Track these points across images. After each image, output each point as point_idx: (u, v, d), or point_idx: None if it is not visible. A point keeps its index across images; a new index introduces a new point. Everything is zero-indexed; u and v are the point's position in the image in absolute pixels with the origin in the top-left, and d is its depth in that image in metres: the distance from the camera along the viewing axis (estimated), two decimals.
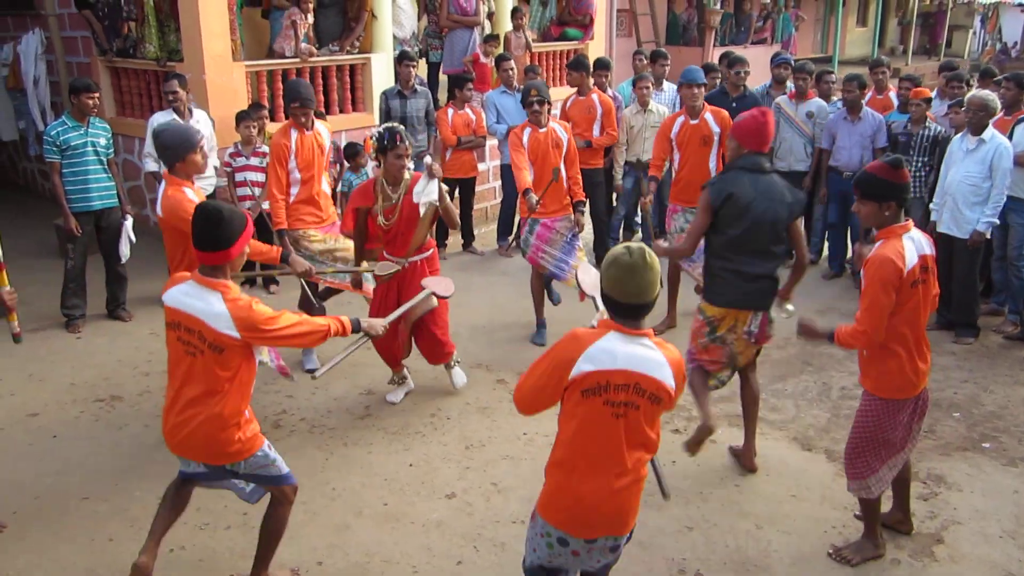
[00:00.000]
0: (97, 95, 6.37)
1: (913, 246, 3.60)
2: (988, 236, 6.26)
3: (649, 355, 2.78)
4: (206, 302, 3.24)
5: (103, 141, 6.45)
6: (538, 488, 4.39)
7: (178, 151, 4.45)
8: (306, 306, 5.72)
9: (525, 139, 6.11)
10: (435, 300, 5.14)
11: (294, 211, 5.71)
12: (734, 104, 7.59)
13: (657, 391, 2.78)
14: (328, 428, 5.10)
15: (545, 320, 6.52)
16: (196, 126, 6.85)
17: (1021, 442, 5.00)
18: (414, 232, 5.15)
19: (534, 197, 5.97)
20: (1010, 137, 6.34)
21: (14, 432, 5.03)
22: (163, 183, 4.56)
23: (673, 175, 6.64)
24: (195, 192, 4.54)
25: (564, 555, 2.93)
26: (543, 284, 6.48)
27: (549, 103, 6.17)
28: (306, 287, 5.72)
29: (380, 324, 3.92)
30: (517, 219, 8.53)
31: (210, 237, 3.23)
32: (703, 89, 6.37)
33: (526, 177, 6.05)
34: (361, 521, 4.20)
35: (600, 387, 2.76)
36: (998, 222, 6.20)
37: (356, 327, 3.69)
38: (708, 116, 6.33)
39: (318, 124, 5.87)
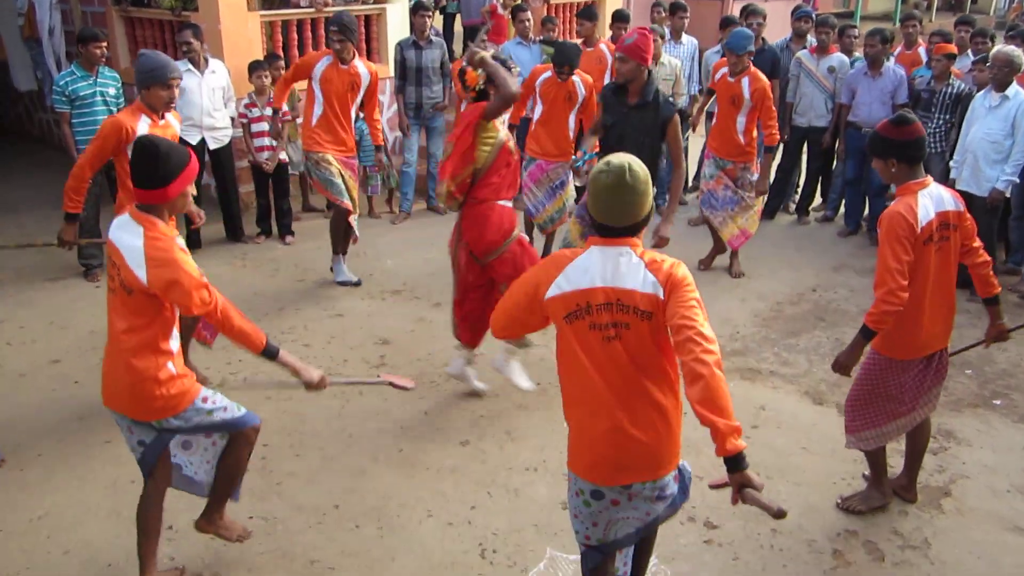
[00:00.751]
0: (105, 44, 6.37)
1: (931, 202, 3.53)
2: (1008, 195, 6.20)
3: (627, 264, 2.57)
4: (128, 234, 3.02)
5: (112, 91, 6.45)
6: (551, 438, 4.49)
7: (145, 78, 4.39)
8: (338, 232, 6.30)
9: (540, 80, 6.44)
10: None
11: (314, 134, 6.13)
12: (752, 58, 7.50)
13: (640, 304, 2.53)
14: (344, 376, 5.16)
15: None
16: (212, 76, 6.85)
17: None
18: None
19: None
20: None
21: (37, 378, 5.13)
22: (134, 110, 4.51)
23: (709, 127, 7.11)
24: (151, 125, 4.44)
25: (604, 509, 2.71)
26: (526, 212, 6.73)
27: (576, 67, 6.42)
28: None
29: (317, 374, 3.51)
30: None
31: (146, 173, 2.99)
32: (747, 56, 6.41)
33: (518, 114, 6.86)
34: (377, 466, 4.28)
35: (581, 309, 2.57)
36: (1018, 180, 6.14)
37: (272, 353, 3.28)
38: (744, 80, 6.38)
39: (359, 63, 6.18)
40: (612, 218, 2.59)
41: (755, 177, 6.61)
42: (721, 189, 6.64)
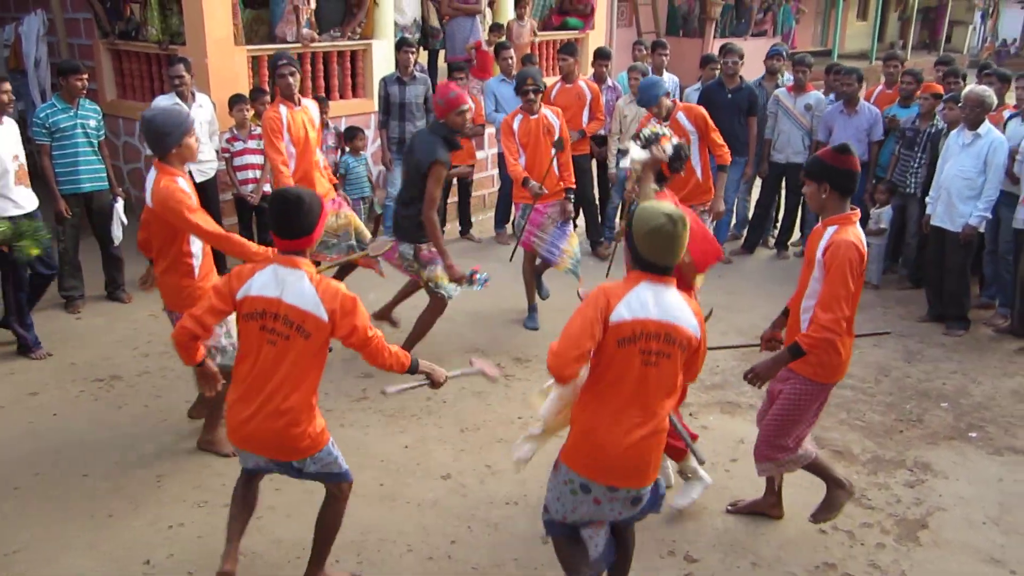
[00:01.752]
0: (85, 76, 6.36)
1: (862, 234, 3.64)
2: (980, 230, 6.32)
3: (679, 304, 2.97)
4: (293, 283, 3.18)
5: (93, 123, 6.46)
6: (531, 472, 4.49)
7: (174, 135, 4.11)
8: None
9: (516, 125, 6.31)
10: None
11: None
12: (729, 95, 7.66)
13: (687, 340, 2.96)
14: (325, 410, 5.09)
15: (537, 305, 6.62)
16: (198, 110, 6.91)
17: (1007, 432, 5.08)
18: None
19: (535, 184, 6.09)
20: (1003, 132, 6.41)
21: (15, 410, 5.09)
22: (152, 171, 4.20)
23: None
24: (187, 182, 4.22)
25: (586, 503, 3.06)
26: (535, 269, 6.57)
27: (543, 91, 6.35)
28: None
29: (442, 373, 3.70)
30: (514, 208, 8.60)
31: (294, 223, 3.19)
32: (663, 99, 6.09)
33: (518, 168, 6.22)
34: (357, 500, 4.25)
35: (636, 336, 2.91)
36: (990, 216, 6.27)
37: (414, 368, 3.54)
38: (679, 115, 6.19)
39: (305, 101, 6.06)
40: (666, 259, 2.96)
41: (710, 221, 6.40)
42: None
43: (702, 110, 6.31)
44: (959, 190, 6.25)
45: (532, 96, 6.19)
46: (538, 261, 6.51)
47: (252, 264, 3.32)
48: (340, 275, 6.16)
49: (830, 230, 3.61)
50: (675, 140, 4.30)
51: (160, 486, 4.35)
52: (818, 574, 3.81)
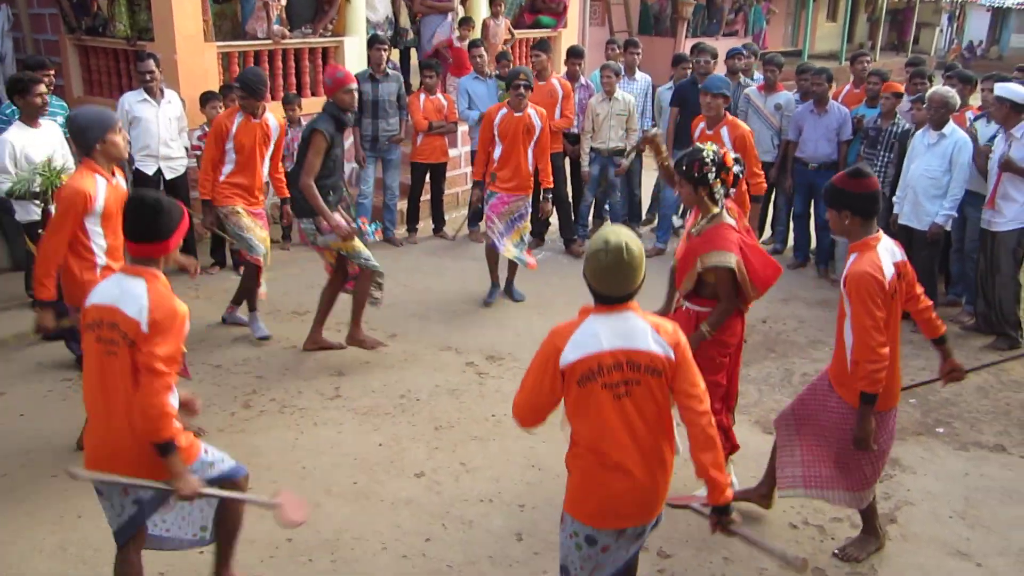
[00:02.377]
0: (52, 72, 6.28)
1: (888, 256, 3.59)
2: (947, 229, 6.42)
3: (632, 327, 2.78)
4: (128, 289, 2.96)
5: (60, 120, 6.36)
6: (505, 469, 4.51)
7: (94, 130, 4.07)
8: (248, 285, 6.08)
9: (497, 120, 6.41)
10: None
11: (223, 188, 5.95)
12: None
13: (651, 362, 2.76)
14: (298, 408, 5.14)
15: (498, 281, 6.91)
16: (167, 107, 6.84)
17: (973, 427, 5.17)
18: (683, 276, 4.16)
19: (479, 193, 6.61)
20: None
21: None
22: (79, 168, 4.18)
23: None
24: (106, 184, 4.16)
25: (594, 555, 2.89)
26: (496, 251, 6.75)
27: (531, 89, 6.44)
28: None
29: (194, 484, 3.05)
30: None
31: (148, 227, 3.00)
32: (724, 99, 5.93)
33: (480, 169, 6.64)
34: (331, 499, 4.26)
35: (592, 372, 2.75)
36: (956, 215, 6.37)
37: (167, 449, 2.94)
38: (723, 130, 5.95)
39: (269, 116, 6.05)
40: (614, 290, 2.78)
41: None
42: None
43: (747, 132, 5.93)
44: (925, 189, 6.34)
45: (523, 91, 6.33)
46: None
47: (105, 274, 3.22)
48: (249, 284, 6.12)
49: (851, 259, 3.60)
50: (734, 154, 4.10)
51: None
52: (789, 569, 3.84)
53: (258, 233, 6.01)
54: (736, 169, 4.00)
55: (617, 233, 2.78)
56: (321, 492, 4.30)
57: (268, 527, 3.96)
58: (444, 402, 5.27)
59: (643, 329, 2.78)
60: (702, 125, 6.11)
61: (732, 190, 4.06)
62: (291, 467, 4.51)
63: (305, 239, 5.81)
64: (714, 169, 3.93)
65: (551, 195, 6.82)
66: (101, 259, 4.28)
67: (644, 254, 2.79)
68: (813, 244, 8.02)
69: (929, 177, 6.29)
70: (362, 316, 5.82)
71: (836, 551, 4.00)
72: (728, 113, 6.01)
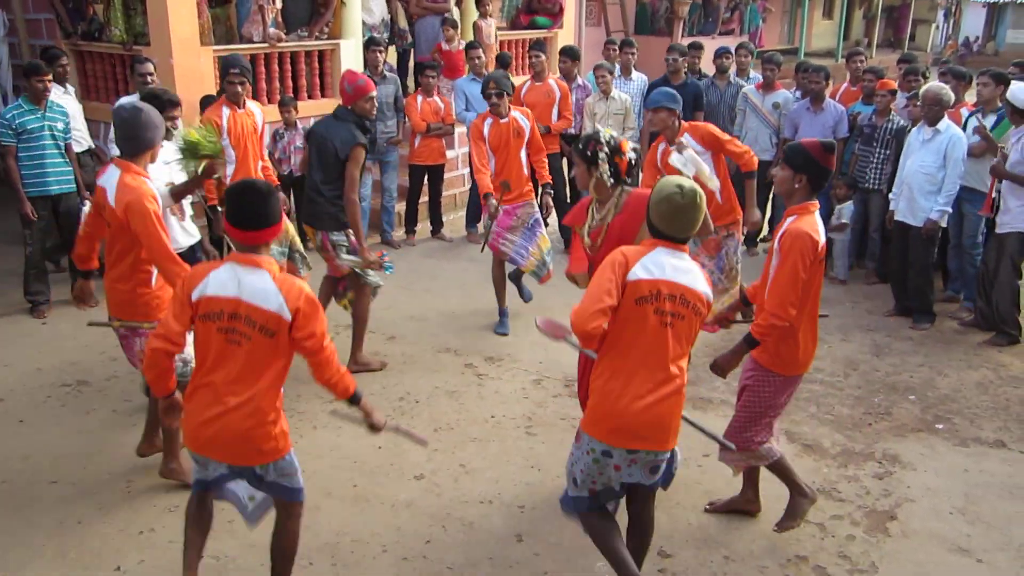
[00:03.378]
0: (47, 77, 6.25)
1: (820, 225, 3.69)
2: (942, 224, 6.42)
3: (692, 269, 3.11)
4: (253, 282, 3.03)
5: (61, 125, 6.38)
6: (505, 470, 4.51)
7: (156, 136, 3.95)
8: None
9: (486, 130, 6.15)
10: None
11: None
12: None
13: (699, 302, 3.09)
14: (298, 412, 5.13)
15: (507, 309, 6.49)
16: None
17: (973, 423, 5.17)
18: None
19: (494, 202, 6.04)
20: (964, 129, 6.52)
21: None
22: (115, 171, 3.89)
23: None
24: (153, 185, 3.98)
25: (607, 469, 3.15)
26: (504, 272, 6.43)
27: (509, 94, 6.14)
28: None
29: (383, 419, 3.48)
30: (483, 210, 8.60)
31: (259, 214, 3.04)
32: (665, 113, 5.38)
33: (486, 181, 6.07)
34: (331, 502, 4.25)
35: (652, 295, 3.04)
36: (951, 211, 6.36)
37: (357, 397, 3.36)
38: (686, 138, 5.44)
39: (251, 104, 5.97)
40: (680, 231, 3.13)
41: (741, 248, 5.86)
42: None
43: (709, 127, 5.60)
44: (920, 185, 6.34)
45: (495, 100, 6.04)
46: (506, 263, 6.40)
47: (206, 264, 3.19)
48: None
49: (789, 220, 3.67)
50: (632, 144, 4.19)
51: (130, 491, 4.30)
52: (790, 567, 3.85)
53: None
54: (631, 156, 4.05)
55: (687, 180, 3.13)
56: (321, 495, 4.30)
57: (268, 531, 3.96)
58: (443, 404, 5.27)
59: (696, 271, 3.13)
60: (662, 147, 5.52)
61: (628, 179, 4.09)
62: None
63: (328, 248, 5.47)
64: (607, 150, 3.98)
65: (551, 191, 6.62)
66: (154, 276, 4.04)
67: (705, 203, 3.16)
68: None
69: (924, 173, 6.30)
70: (363, 339, 5.71)
71: (775, 527, 4.04)
72: (679, 120, 5.45)
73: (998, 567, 3.88)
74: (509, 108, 6.18)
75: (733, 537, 4.05)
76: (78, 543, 3.90)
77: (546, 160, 6.50)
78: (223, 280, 3.04)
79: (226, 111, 5.79)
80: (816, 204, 3.73)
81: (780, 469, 4.02)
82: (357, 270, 5.53)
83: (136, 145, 3.92)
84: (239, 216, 3.05)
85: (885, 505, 4.32)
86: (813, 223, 3.64)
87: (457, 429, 4.97)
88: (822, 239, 3.65)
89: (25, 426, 4.91)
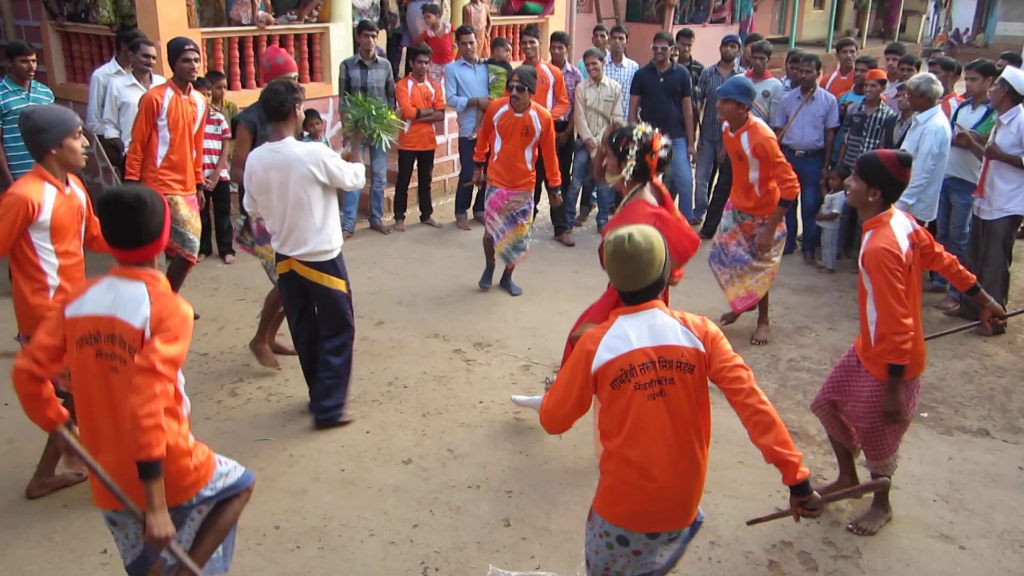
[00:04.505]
0: (31, 57, 6.20)
1: (902, 230, 3.69)
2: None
3: (661, 324, 2.75)
4: (125, 296, 2.68)
5: None
6: (493, 455, 4.52)
7: (51, 134, 3.62)
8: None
9: (498, 114, 6.39)
10: None
11: (161, 175, 5.71)
12: (661, 79, 7.76)
13: (682, 358, 2.72)
14: (285, 396, 5.12)
15: (493, 264, 6.90)
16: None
17: (957, 412, 5.21)
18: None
19: (476, 175, 6.73)
20: (953, 120, 6.54)
21: None
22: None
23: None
24: (59, 194, 3.71)
25: (625, 555, 2.87)
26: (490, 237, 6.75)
27: (531, 90, 6.31)
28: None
29: (173, 531, 2.71)
30: (475, 191, 8.59)
31: (135, 229, 2.68)
32: (734, 106, 5.57)
33: (481, 152, 6.71)
34: (318, 486, 4.25)
35: (625, 373, 2.71)
36: (911, 203, 6.34)
37: (151, 472, 2.60)
38: (743, 137, 5.65)
39: (194, 93, 5.87)
40: (627, 284, 2.77)
41: (779, 235, 5.96)
42: (733, 245, 6.02)
43: (770, 141, 5.60)
44: None
45: (516, 94, 6.25)
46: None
47: (92, 279, 2.80)
48: (176, 278, 5.98)
49: (867, 236, 3.70)
50: (665, 140, 4.11)
51: None
52: (775, 552, 3.88)
53: (194, 225, 5.85)
54: (663, 154, 4.05)
55: (628, 227, 2.77)
56: (308, 479, 4.29)
57: (255, 514, 3.96)
58: (431, 389, 5.27)
59: (671, 325, 2.75)
60: (726, 123, 5.83)
61: (657, 175, 4.12)
62: (278, 454, 4.50)
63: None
64: (637, 147, 3.99)
65: (559, 192, 6.94)
66: (53, 279, 3.79)
67: (661, 248, 2.75)
68: (799, 231, 8.05)
69: None
70: (268, 327, 5.48)
71: (849, 525, 4.06)
72: (752, 117, 5.67)
73: (980, 553, 3.92)
74: (529, 104, 6.34)
75: (719, 523, 4.07)
76: (63, 526, 3.89)
77: (556, 162, 6.67)
78: (99, 296, 2.71)
79: (170, 93, 5.62)
80: (891, 212, 3.71)
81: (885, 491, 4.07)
82: (264, 264, 5.50)
83: (34, 148, 3.69)
84: (111, 232, 2.72)
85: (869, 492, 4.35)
86: (888, 235, 3.62)
87: (445, 414, 4.97)
88: (904, 246, 3.63)
89: (10, 409, 4.88)
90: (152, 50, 6.50)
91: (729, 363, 2.75)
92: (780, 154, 5.68)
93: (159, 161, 5.65)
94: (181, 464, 2.79)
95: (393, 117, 6.99)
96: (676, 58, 8.27)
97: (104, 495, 2.78)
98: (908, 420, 3.94)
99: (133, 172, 5.64)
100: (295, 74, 5.22)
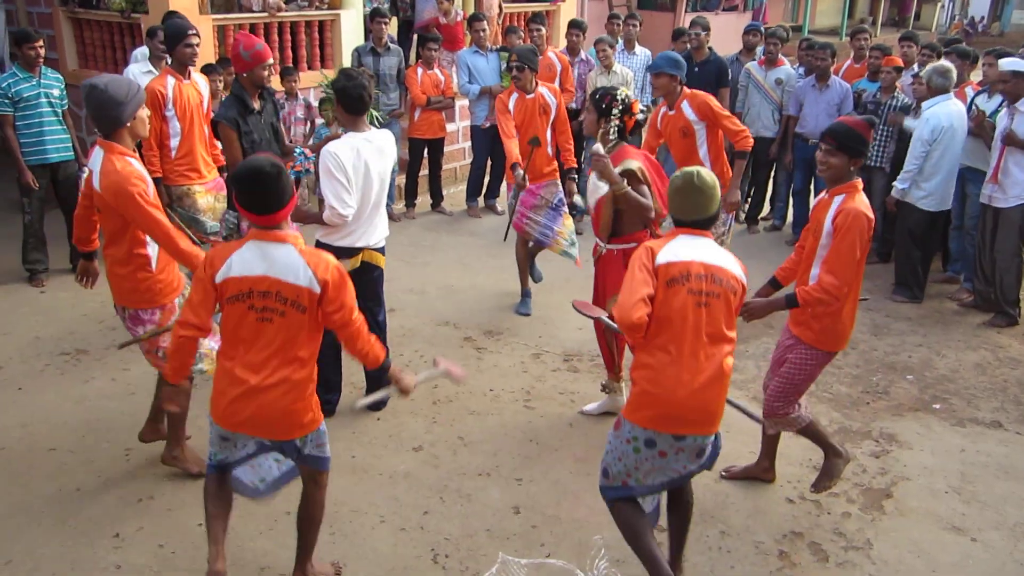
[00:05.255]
0: (39, 44, 6.15)
1: (868, 202, 3.72)
2: (909, 200, 6.53)
3: (716, 249, 3.15)
4: (281, 257, 3.00)
5: (56, 92, 6.33)
6: (503, 442, 4.52)
7: (128, 108, 3.61)
8: None
9: (511, 104, 6.10)
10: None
11: (176, 166, 5.64)
12: (696, 69, 7.63)
13: (732, 281, 3.10)
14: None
15: (530, 290, 6.41)
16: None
17: (970, 404, 5.18)
18: (600, 215, 4.57)
19: (521, 171, 5.93)
20: (970, 106, 6.49)
21: None
22: (99, 153, 3.65)
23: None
24: (141, 164, 3.73)
25: (651, 458, 3.10)
26: (527, 252, 6.33)
27: (532, 68, 6.09)
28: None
29: (411, 380, 3.43)
30: (487, 179, 8.56)
31: (272, 197, 2.96)
32: (667, 79, 5.47)
33: (513, 149, 5.96)
34: (329, 473, 4.25)
35: (683, 275, 3.05)
36: (903, 187, 6.46)
37: (387, 366, 3.34)
38: (683, 105, 5.54)
39: (195, 75, 5.77)
40: (687, 213, 3.17)
41: (730, 220, 5.96)
42: None
43: (709, 98, 5.58)
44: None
45: (516, 74, 6.03)
46: (531, 244, 6.29)
47: (225, 244, 3.10)
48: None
49: (838, 199, 3.68)
50: (643, 106, 4.38)
51: (128, 459, 4.31)
52: (785, 543, 3.87)
53: (217, 209, 5.68)
54: (639, 117, 4.54)
55: (693, 169, 3.18)
56: None
57: (268, 501, 3.97)
58: (442, 377, 5.25)
59: (724, 253, 3.16)
60: (662, 111, 5.67)
61: (630, 136, 4.59)
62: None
63: (220, 228, 5.33)
64: (620, 107, 4.46)
65: (575, 175, 6.41)
66: (152, 248, 3.81)
67: (718, 187, 3.19)
68: (789, 218, 8.07)
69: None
70: None
71: (811, 488, 4.08)
72: (684, 87, 5.56)
73: (992, 546, 3.91)
74: (536, 83, 6.13)
75: (729, 512, 4.07)
76: (76, 510, 3.91)
77: (571, 142, 6.34)
78: (248, 259, 3.00)
79: (171, 80, 5.51)
80: (860, 182, 3.74)
81: (812, 432, 4.06)
82: None
83: (106, 124, 3.64)
84: (251, 203, 2.99)
85: (881, 483, 4.34)
86: (863, 200, 3.66)
87: (456, 402, 4.97)
88: (872, 215, 3.67)
89: (23, 394, 4.91)
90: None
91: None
92: (723, 107, 5.72)
93: (174, 153, 5.59)
94: (310, 400, 3.14)
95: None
96: (689, 47, 8.20)
97: (228, 414, 3.08)
98: (801, 390, 3.94)
99: (155, 169, 5.55)
100: (272, 61, 4.99)
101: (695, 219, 3.16)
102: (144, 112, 3.75)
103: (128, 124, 3.66)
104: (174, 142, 5.59)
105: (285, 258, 3.00)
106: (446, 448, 4.51)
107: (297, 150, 4.44)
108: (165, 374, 3.31)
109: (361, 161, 4.27)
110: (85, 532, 3.77)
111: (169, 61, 5.77)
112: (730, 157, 5.82)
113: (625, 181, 4.33)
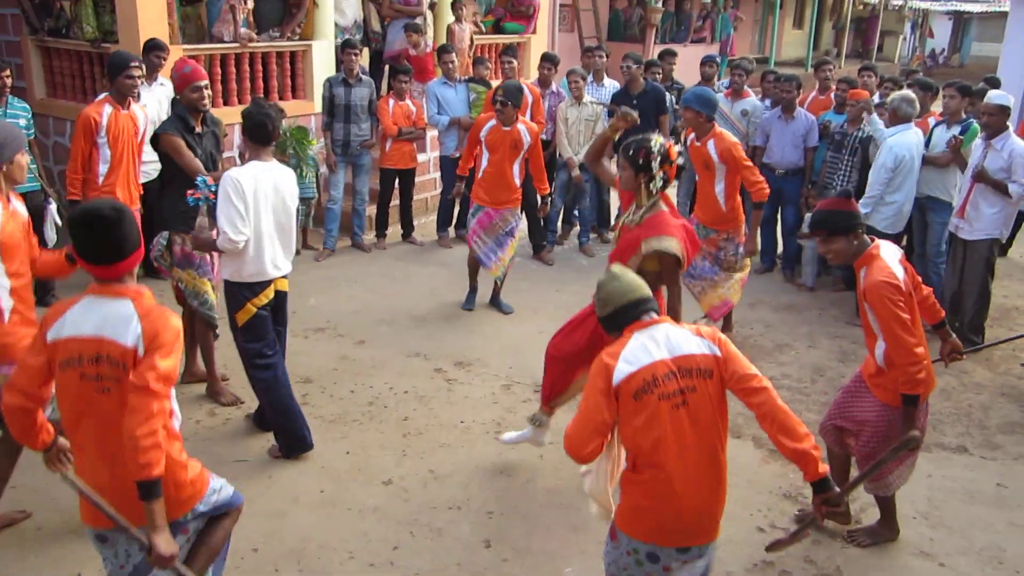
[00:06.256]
0: (5, 73, 6.11)
1: (893, 258, 3.69)
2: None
3: (675, 335, 2.82)
4: (112, 314, 2.62)
5: (23, 122, 6.25)
6: (474, 475, 4.50)
7: (9, 148, 3.53)
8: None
9: (485, 129, 6.47)
10: None
11: (101, 192, 5.65)
12: (635, 101, 7.75)
13: (701, 364, 2.78)
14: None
15: (477, 286, 6.86)
16: (139, 112, 6.67)
17: (935, 429, 5.24)
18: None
19: (459, 186, 6.89)
20: (929, 139, 6.64)
21: None
22: None
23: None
24: (4, 211, 3.51)
25: (656, 572, 2.85)
26: (477, 261, 6.68)
27: (515, 105, 6.36)
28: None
29: (176, 549, 2.70)
30: (456, 210, 8.58)
31: (110, 246, 2.63)
32: (693, 114, 5.85)
33: (465, 166, 6.78)
34: (297, 508, 4.21)
35: (648, 384, 2.73)
36: (865, 211, 6.48)
37: (152, 491, 2.59)
38: (710, 143, 5.86)
39: (135, 106, 5.80)
40: (630, 305, 2.88)
41: (740, 249, 6.17)
42: (699, 260, 6.11)
43: (734, 146, 5.86)
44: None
45: (500, 108, 6.32)
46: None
47: (65, 300, 2.72)
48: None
49: (861, 273, 3.69)
50: (678, 148, 4.17)
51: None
52: (756, 572, 3.88)
53: None
54: (680, 162, 4.14)
55: (615, 267, 3.05)
56: (288, 500, 4.26)
57: (233, 537, 3.90)
58: (412, 409, 5.24)
59: (684, 335, 2.84)
60: (692, 136, 6.05)
61: (672, 183, 4.23)
62: (257, 475, 4.46)
63: (153, 253, 5.08)
64: (659, 159, 4.06)
65: (548, 200, 6.99)
66: (6, 301, 3.54)
67: (629, 271, 3.01)
68: (780, 249, 8.10)
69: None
70: (215, 366, 5.26)
71: (846, 534, 4.09)
72: (716, 126, 5.93)
73: (960, 571, 3.94)
74: (516, 119, 6.42)
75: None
76: (39, 550, 3.83)
77: (544, 171, 6.74)
78: (79, 317, 2.64)
79: (108, 109, 5.54)
80: (877, 244, 3.72)
81: (886, 502, 4.09)
82: (184, 288, 5.07)
83: None
84: (87, 251, 2.66)
85: (850, 509, 4.36)
86: (884, 266, 3.62)
87: (426, 434, 4.95)
88: (900, 274, 3.63)
89: None
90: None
91: (742, 367, 2.82)
92: (746, 158, 6.01)
93: (100, 179, 5.64)
94: (179, 477, 2.78)
95: (313, 145, 7.30)
96: (660, 77, 8.33)
97: (93, 513, 2.71)
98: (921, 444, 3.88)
99: (75, 192, 5.59)
100: (205, 82, 4.94)
101: (630, 301, 2.86)
102: (23, 159, 3.61)
103: (3, 168, 3.53)
104: (102, 168, 5.64)
105: (117, 315, 2.62)
106: (416, 481, 4.48)
107: (199, 179, 4.39)
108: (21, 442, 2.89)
109: (261, 188, 4.29)
110: (43, 572, 3.68)
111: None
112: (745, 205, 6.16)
113: (657, 260, 4.13)
